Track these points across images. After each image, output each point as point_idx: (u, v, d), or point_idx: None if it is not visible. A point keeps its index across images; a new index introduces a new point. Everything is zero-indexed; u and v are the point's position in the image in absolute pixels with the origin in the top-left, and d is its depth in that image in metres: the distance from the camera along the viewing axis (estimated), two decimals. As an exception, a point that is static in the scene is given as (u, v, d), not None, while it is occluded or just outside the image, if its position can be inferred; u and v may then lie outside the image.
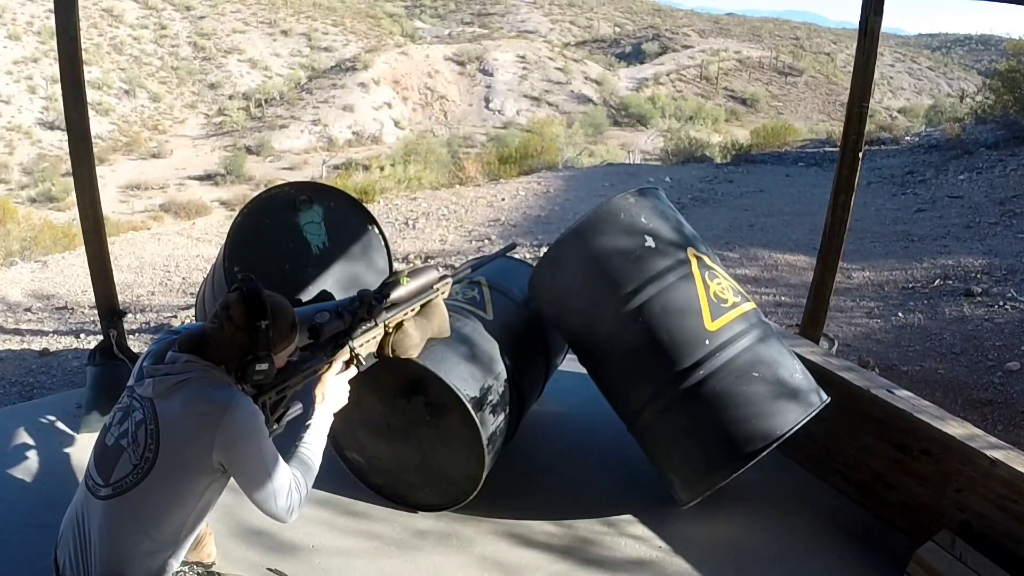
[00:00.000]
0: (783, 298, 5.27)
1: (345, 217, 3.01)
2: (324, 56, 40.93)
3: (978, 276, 5.37)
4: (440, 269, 2.21)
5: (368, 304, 2.00)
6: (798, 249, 6.41)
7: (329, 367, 1.92)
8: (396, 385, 2.35)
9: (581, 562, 2.27)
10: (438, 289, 2.20)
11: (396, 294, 2.08)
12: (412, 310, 2.15)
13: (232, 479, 1.73)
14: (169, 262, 6.89)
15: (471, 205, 9.07)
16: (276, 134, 30.00)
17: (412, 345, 2.19)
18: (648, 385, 2.33)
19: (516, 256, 4.76)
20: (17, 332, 4.76)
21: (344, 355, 1.95)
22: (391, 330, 2.11)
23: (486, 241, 7.42)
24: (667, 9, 61.81)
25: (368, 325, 2.02)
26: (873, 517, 2.49)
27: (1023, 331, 4.36)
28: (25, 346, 4.45)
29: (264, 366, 1.70)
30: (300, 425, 1.87)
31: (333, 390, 1.92)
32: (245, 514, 2.40)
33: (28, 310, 5.34)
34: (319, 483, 2.56)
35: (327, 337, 1.90)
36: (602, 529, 2.42)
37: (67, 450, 2.72)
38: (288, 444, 1.83)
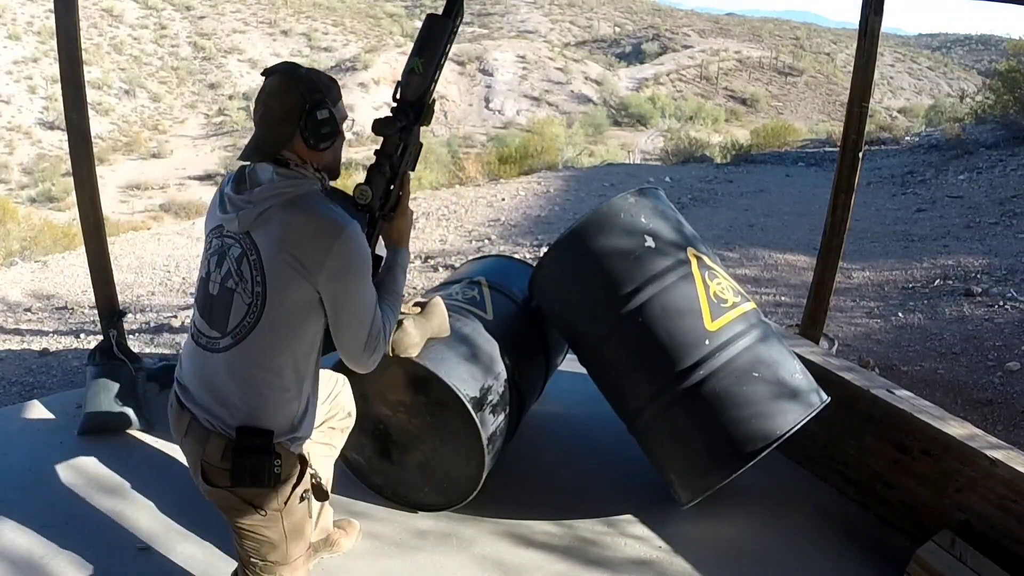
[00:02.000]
0: (783, 298, 5.27)
1: (345, 217, 3.01)
2: (324, 56, 40.91)
3: (978, 276, 5.37)
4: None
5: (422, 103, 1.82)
6: (798, 249, 6.42)
7: (397, 204, 1.84)
8: (396, 385, 2.34)
9: (581, 562, 2.27)
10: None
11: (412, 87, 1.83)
12: (409, 308, 2.12)
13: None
14: (169, 262, 6.90)
15: (471, 205, 9.08)
16: (276, 134, 29.96)
17: (412, 344, 2.19)
18: (648, 385, 2.33)
19: (516, 256, 4.77)
20: (17, 332, 4.77)
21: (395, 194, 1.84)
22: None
23: (486, 241, 7.42)
24: (667, 9, 61.81)
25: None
26: (873, 517, 2.49)
27: (1023, 331, 4.36)
28: (25, 346, 4.45)
29: (324, 113, 1.60)
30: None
31: (403, 227, 1.84)
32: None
33: (28, 310, 5.34)
34: (319, 483, 2.56)
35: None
36: (602, 529, 2.42)
37: (67, 450, 2.72)
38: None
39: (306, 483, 1.76)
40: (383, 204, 1.82)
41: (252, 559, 1.79)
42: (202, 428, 1.66)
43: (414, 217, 1.89)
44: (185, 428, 1.69)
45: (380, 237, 1.86)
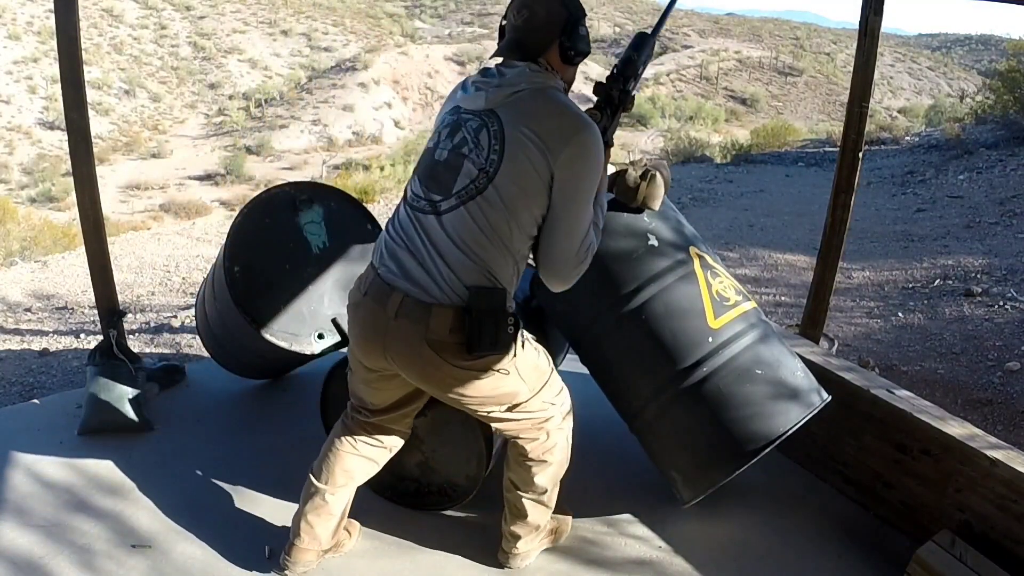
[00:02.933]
0: (783, 298, 5.27)
1: (345, 217, 3.01)
2: (324, 56, 40.94)
3: (978, 276, 5.37)
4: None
5: (621, 88, 1.89)
6: (798, 249, 6.42)
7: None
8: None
9: (581, 562, 2.27)
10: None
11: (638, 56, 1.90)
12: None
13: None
14: (169, 262, 6.89)
15: (471, 205, 9.05)
16: (276, 134, 30.02)
17: (658, 196, 2.21)
18: (650, 383, 2.32)
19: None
20: (17, 332, 4.76)
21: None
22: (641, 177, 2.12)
23: (486, 241, 7.41)
24: (667, 9, 61.63)
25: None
26: (873, 517, 2.49)
27: (1023, 331, 4.36)
28: (25, 346, 4.44)
29: (583, 29, 1.75)
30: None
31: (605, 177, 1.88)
32: (245, 516, 2.41)
33: (28, 310, 5.34)
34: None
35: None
36: (602, 529, 2.42)
37: (67, 450, 2.72)
38: None
39: (523, 333, 1.81)
40: None
41: (492, 412, 1.85)
42: (420, 304, 1.64)
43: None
44: (396, 309, 1.66)
45: None
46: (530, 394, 1.87)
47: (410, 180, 1.78)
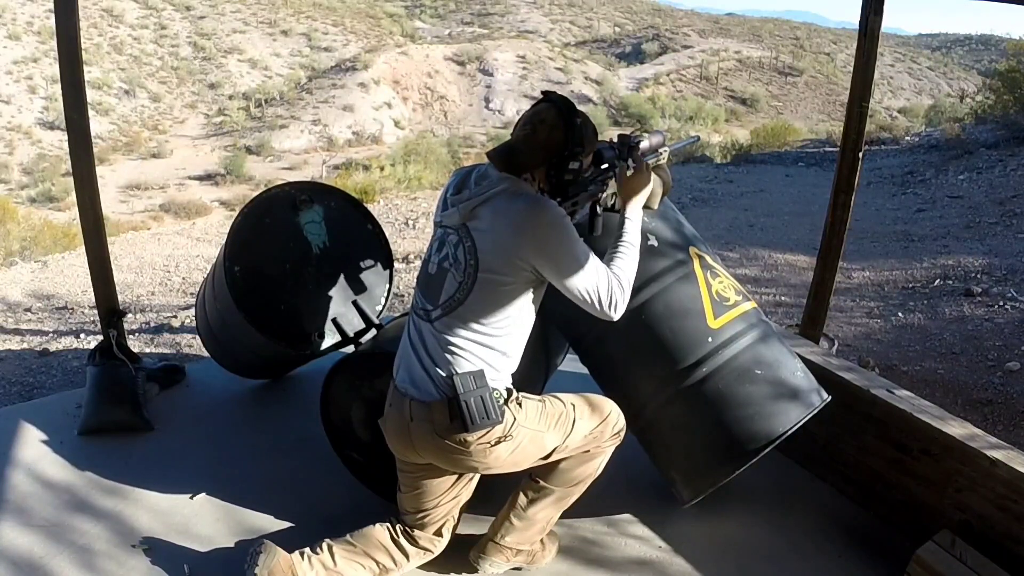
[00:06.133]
0: (783, 298, 5.27)
1: (345, 217, 3.01)
2: (324, 56, 40.88)
3: (978, 276, 5.38)
4: (664, 133, 2.34)
5: (629, 146, 2.11)
6: (798, 249, 6.42)
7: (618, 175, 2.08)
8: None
9: (581, 562, 2.27)
10: (662, 153, 2.29)
11: (643, 144, 2.18)
12: (648, 165, 2.25)
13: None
14: (169, 262, 6.89)
15: (471, 205, 9.05)
16: (276, 134, 29.95)
17: (655, 194, 2.29)
18: (650, 383, 2.33)
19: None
20: (17, 332, 4.76)
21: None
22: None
23: (486, 241, 7.41)
24: (667, 9, 61.75)
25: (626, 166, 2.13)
26: (873, 517, 2.49)
27: (1023, 331, 4.37)
28: (25, 346, 4.45)
29: (576, 164, 1.85)
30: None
31: (631, 187, 2.04)
32: (245, 516, 2.41)
33: (28, 310, 5.34)
34: (318, 483, 2.56)
35: (603, 165, 2.07)
36: (602, 529, 2.42)
37: (67, 450, 2.72)
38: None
39: (517, 396, 1.91)
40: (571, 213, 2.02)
41: (535, 464, 1.99)
42: (423, 404, 1.84)
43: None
44: (409, 414, 1.87)
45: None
46: (563, 438, 1.97)
47: (415, 287, 1.99)
